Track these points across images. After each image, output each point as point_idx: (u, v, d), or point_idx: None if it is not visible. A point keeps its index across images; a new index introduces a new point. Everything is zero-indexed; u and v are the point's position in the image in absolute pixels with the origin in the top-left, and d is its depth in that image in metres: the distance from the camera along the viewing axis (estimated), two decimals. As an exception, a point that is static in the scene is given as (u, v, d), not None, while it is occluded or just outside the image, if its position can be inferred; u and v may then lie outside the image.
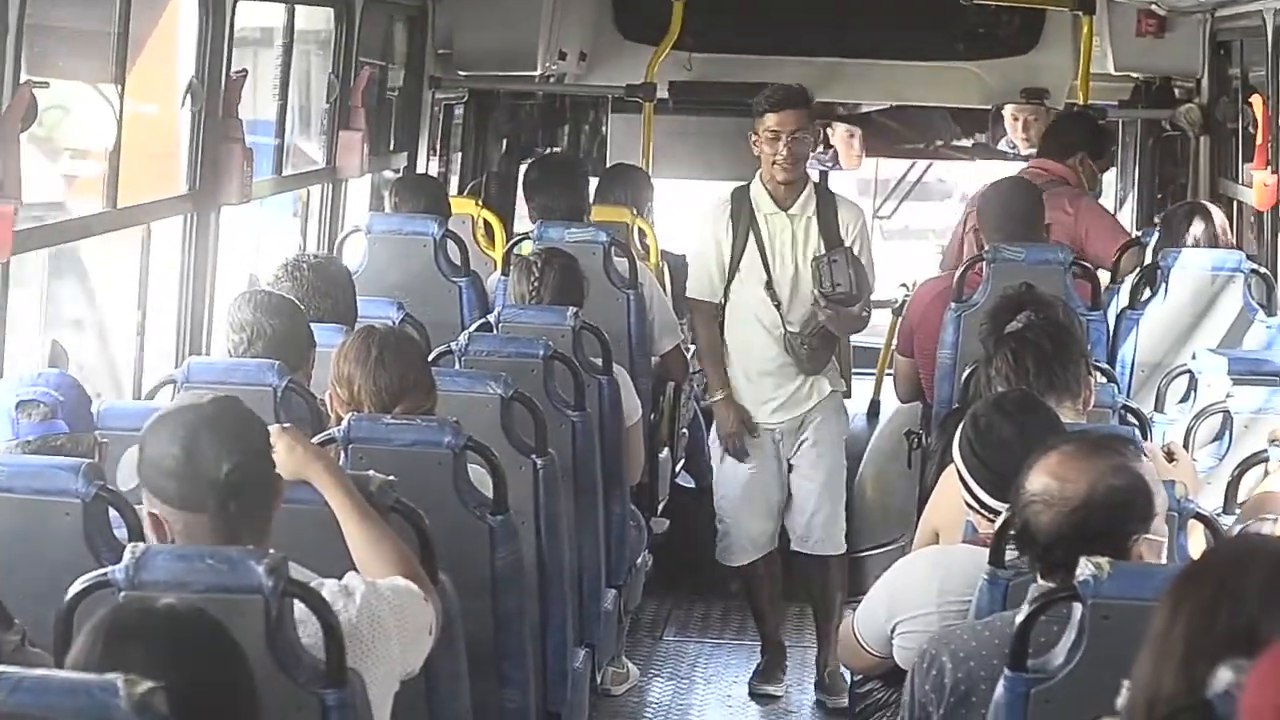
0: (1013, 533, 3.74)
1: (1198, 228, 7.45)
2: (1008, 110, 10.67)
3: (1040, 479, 3.60)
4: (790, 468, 7.86)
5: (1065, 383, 5.12)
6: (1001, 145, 11.03)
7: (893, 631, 4.66)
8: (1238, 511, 4.96)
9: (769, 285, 7.57)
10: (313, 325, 5.75)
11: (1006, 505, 4.27)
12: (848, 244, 7.50)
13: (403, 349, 5.12)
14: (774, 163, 7.49)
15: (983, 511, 4.57)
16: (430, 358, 5.81)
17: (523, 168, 9.64)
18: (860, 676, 5.14)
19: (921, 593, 4.59)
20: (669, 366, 8.12)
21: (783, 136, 7.46)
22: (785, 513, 7.88)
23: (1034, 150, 10.04)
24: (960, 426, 4.70)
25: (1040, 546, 3.57)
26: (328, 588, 3.62)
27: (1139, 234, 8.14)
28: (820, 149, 11.37)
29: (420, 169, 9.43)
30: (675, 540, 8.30)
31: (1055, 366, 5.13)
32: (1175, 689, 2.33)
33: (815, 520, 7.83)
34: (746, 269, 7.59)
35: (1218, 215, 7.63)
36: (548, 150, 11.06)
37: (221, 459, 3.56)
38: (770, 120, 7.48)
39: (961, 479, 4.64)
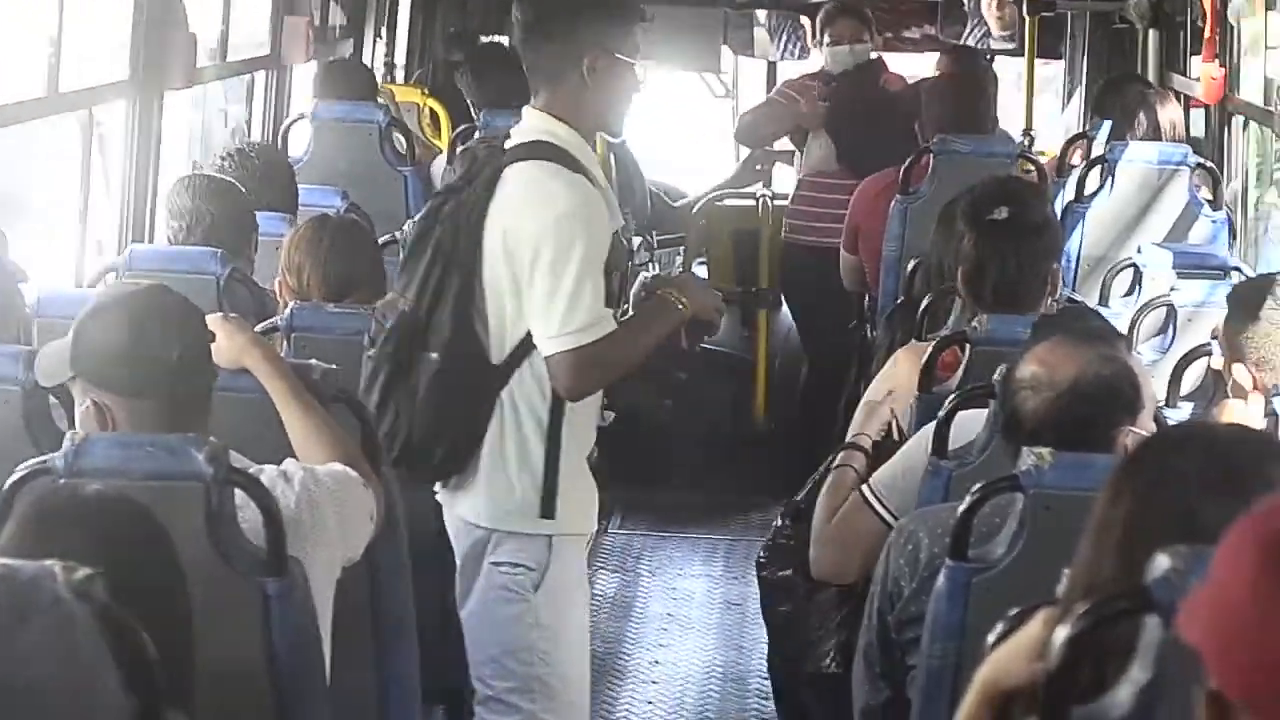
0: (1001, 421, 3.70)
1: (1147, 117, 7.42)
2: None
3: (1029, 367, 3.59)
4: None
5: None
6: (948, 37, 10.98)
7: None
8: (1181, 405, 4.98)
9: None
10: (259, 214, 5.70)
11: None
12: None
13: (355, 239, 5.09)
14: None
15: None
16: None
17: None
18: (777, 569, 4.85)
19: None
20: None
21: None
22: None
23: (1006, 35, 10.02)
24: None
25: (1026, 434, 3.55)
26: (266, 474, 3.60)
27: (1087, 127, 8.11)
28: (786, 39, 11.26)
29: (366, 57, 9.34)
30: (621, 432, 8.28)
31: (1029, 275, 5.02)
32: (1113, 574, 2.33)
33: None
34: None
35: (1169, 108, 7.59)
36: (494, 38, 10.97)
37: (171, 343, 3.52)
38: None
39: None
